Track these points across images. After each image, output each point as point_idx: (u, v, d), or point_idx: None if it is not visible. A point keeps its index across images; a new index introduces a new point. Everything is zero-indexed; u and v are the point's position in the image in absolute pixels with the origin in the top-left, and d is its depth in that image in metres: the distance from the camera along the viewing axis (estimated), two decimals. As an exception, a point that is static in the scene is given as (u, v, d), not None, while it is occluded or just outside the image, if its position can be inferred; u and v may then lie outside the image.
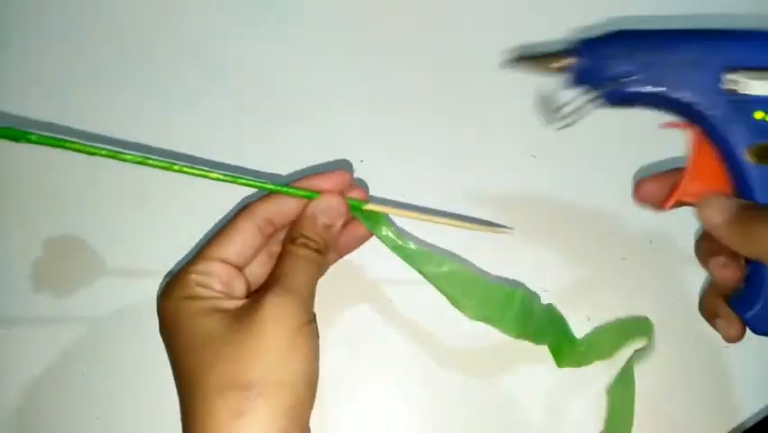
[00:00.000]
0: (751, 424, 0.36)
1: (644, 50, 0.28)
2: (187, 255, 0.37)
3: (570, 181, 0.40)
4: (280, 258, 0.31)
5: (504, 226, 0.37)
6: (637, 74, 0.28)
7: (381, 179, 0.39)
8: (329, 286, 0.33)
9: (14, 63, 0.40)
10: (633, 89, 0.28)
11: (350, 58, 0.41)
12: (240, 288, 0.31)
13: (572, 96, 0.30)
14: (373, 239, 0.34)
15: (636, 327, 0.37)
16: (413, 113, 0.40)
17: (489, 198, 0.39)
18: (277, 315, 0.28)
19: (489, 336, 0.35)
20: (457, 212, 0.39)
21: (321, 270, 0.32)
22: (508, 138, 0.40)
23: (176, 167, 0.29)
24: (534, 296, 0.37)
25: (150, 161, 0.29)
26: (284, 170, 0.39)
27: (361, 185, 0.38)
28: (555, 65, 0.29)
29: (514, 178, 0.39)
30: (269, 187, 0.31)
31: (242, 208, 0.32)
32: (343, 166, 0.39)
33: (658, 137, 0.40)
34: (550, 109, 0.32)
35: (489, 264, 0.38)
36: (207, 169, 0.30)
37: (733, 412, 0.36)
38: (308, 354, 0.29)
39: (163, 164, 0.29)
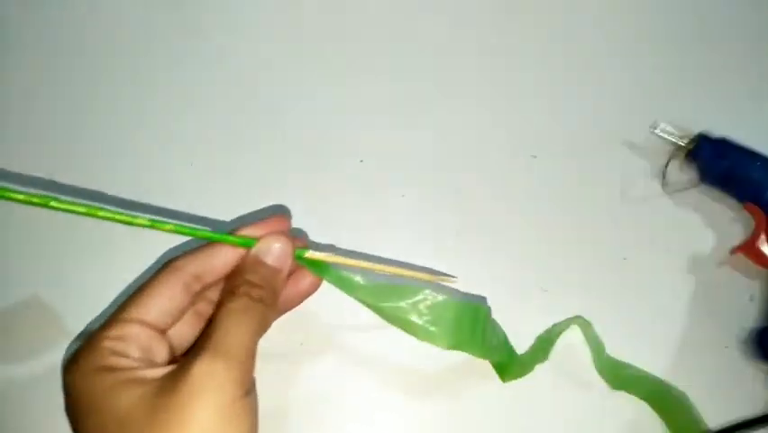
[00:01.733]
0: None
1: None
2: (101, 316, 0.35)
3: (570, 181, 0.40)
4: (213, 316, 0.27)
5: (448, 275, 0.34)
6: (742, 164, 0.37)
7: (381, 179, 0.39)
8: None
9: None
10: (734, 172, 0.38)
11: (350, 58, 0.41)
12: (162, 354, 0.27)
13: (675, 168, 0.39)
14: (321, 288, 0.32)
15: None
16: (413, 113, 0.40)
17: (490, 197, 0.39)
18: (204, 387, 0.24)
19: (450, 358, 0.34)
20: (457, 216, 0.39)
21: (263, 325, 0.27)
22: (508, 138, 0.40)
23: (100, 213, 0.26)
24: (487, 310, 0.35)
25: (54, 204, 0.25)
26: (284, 169, 0.39)
27: (298, 234, 0.36)
28: (682, 143, 0.39)
29: (514, 178, 0.40)
30: (202, 234, 0.28)
31: (165, 264, 0.28)
32: (280, 212, 0.38)
33: (655, 139, 0.41)
34: (661, 173, 0.39)
35: (488, 265, 0.38)
36: (131, 214, 0.27)
37: (733, 411, 0.36)
38: (245, 431, 0.24)
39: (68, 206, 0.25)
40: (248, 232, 0.29)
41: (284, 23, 0.42)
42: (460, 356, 0.36)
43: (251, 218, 0.36)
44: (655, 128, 0.39)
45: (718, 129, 0.39)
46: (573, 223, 0.39)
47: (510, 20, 0.43)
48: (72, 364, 0.26)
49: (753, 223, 0.38)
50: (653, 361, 0.36)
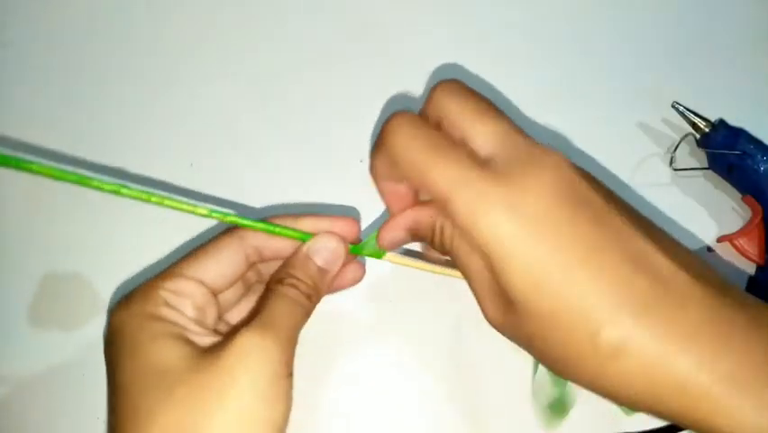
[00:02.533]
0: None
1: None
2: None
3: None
4: (263, 297, 0.26)
5: None
6: (753, 156, 0.37)
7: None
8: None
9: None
10: (743, 162, 0.38)
11: (350, 57, 0.41)
12: (212, 316, 0.27)
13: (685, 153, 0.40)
14: None
15: None
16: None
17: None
18: (251, 358, 0.23)
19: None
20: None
21: (306, 317, 0.27)
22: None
23: (154, 198, 0.24)
24: None
25: (125, 191, 0.24)
26: (284, 169, 0.39)
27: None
28: (700, 124, 0.38)
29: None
30: (259, 226, 0.27)
31: (228, 229, 0.28)
32: (353, 214, 0.37)
33: (656, 137, 0.41)
34: (669, 151, 0.40)
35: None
36: (192, 202, 0.26)
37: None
38: (280, 414, 0.24)
39: (139, 194, 0.24)
40: (308, 224, 0.28)
41: (284, 23, 0.42)
42: (465, 356, 0.36)
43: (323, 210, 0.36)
44: (677, 105, 0.39)
45: (730, 120, 0.39)
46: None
47: (510, 19, 0.43)
48: (123, 305, 0.25)
49: (750, 216, 0.38)
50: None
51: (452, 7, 0.43)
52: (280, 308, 0.25)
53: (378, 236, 0.29)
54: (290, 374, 0.24)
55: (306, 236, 0.28)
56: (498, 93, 0.41)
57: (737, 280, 0.38)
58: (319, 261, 0.28)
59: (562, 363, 0.24)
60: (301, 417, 0.25)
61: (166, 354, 0.24)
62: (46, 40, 0.41)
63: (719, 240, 0.38)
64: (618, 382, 0.23)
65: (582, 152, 0.40)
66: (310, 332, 0.27)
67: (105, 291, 0.37)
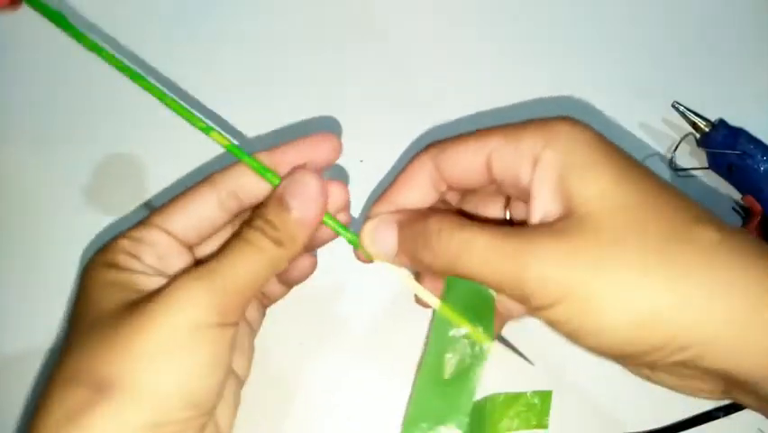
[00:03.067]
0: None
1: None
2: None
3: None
4: (227, 241, 0.25)
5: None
6: (753, 156, 0.37)
7: (381, 180, 0.39)
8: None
9: None
10: (744, 162, 0.37)
11: (350, 57, 0.41)
12: (178, 266, 0.25)
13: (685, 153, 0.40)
14: None
15: None
16: (413, 112, 0.40)
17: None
18: (177, 302, 0.22)
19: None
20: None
21: (274, 265, 0.25)
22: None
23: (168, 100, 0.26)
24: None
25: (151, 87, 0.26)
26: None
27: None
28: (701, 124, 0.39)
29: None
30: (231, 148, 0.26)
31: (207, 176, 0.27)
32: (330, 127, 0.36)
33: (656, 137, 0.41)
34: (669, 151, 0.40)
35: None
36: (195, 114, 0.26)
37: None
38: (202, 364, 0.22)
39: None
40: (278, 157, 0.26)
41: (284, 23, 0.42)
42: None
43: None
44: (677, 105, 0.39)
45: (730, 120, 0.39)
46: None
47: (508, 22, 0.43)
48: (92, 256, 0.25)
49: (750, 215, 0.38)
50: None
51: (451, 7, 0.42)
52: (233, 255, 0.24)
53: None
54: (225, 325, 0.23)
55: (275, 179, 0.26)
56: (498, 93, 0.41)
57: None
58: (294, 210, 0.25)
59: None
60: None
61: (109, 299, 0.23)
62: (46, 37, 0.40)
63: None
64: None
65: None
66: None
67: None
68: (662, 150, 0.41)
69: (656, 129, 0.41)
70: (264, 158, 0.26)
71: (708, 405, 0.36)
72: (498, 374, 0.36)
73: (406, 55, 0.41)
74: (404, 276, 0.27)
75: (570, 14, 0.43)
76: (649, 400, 0.37)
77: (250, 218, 0.25)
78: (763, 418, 0.36)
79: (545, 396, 0.34)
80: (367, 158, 0.39)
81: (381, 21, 0.42)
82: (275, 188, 0.26)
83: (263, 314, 0.31)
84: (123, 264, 0.24)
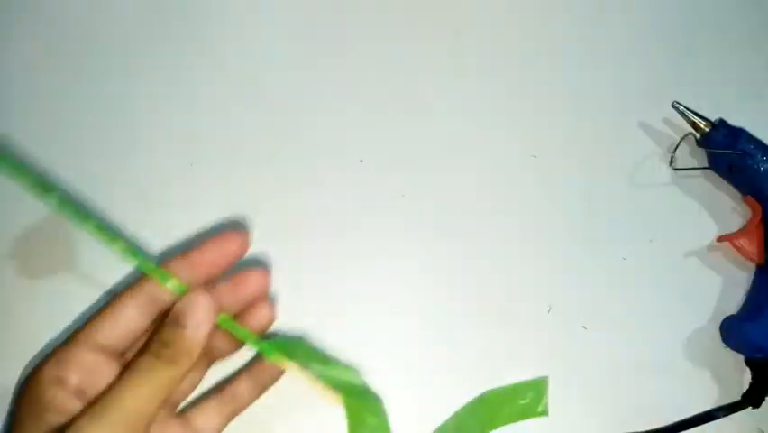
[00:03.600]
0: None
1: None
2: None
3: (570, 181, 0.40)
4: (123, 369, 0.27)
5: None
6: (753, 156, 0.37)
7: (381, 180, 0.39)
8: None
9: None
10: (744, 162, 0.38)
11: (350, 57, 0.41)
12: (109, 377, 0.27)
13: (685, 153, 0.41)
14: None
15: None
16: (413, 112, 0.40)
17: (490, 197, 0.39)
18: None
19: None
20: (457, 216, 0.39)
21: (169, 386, 0.26)
22: (508, 138, 0.40)
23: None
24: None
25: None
26: (284, 169, 0.39)
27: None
28: (701, 124, 0.39)
29: (514, 178, 0.40)
30: (142, 264, 0.27)
31: (127, 286, 0.28)
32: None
33: (656, 137, 0.41)
34: (669, 151, 0.40)
35: (488, 266, 0.38)
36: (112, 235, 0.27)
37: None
38: None
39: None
40: (195, 258, 0.29)
41: (284, 23, 0.42)
42: (465, 358, 0.37)
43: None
44: (677, 105, 0.39)
45: (730, 120, 0.39)
46: (573, 223, 0.39)
47: (518, 7, 0.43)
48: (22, 379, 0.27)
49: (749, 216, 0.38)
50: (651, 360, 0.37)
51: (451, 6, 0.42)
52: (125, 387, 0.25)
53: None
54: None
55: (182, 288, 0.28)
56: (498, 93, 0.41)
57: (737, 280, 0.38)
58: (189, 326, 0.26)
59: None
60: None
61: (35, 426, 0.25)
62: (46, 39, 0.40)
63: (719, 240, 0.38)
64: None
65: (583, 152, 0.40)
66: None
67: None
68: (662, 150, 0.41)
69: (656, 129, 0.41)
70: (180, 262, 0.29)
71: (708, 405, 0.36)
72: (499, 375, 0.37)
73: (407, 55, 0.41)
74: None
75: (570, 14, 0.43)
76: (649, 400, 0.37)
77: (146, 343, 0.27)
78: (763, 417, 0.36)
79: (542, 384, 0.34)
80: (367, 158, 0.39)
81: (381, 21, 0.42)
82: (175, 301, 0.27)
83: (206, 369, 0.32)
84: (47, 391, 0.26)
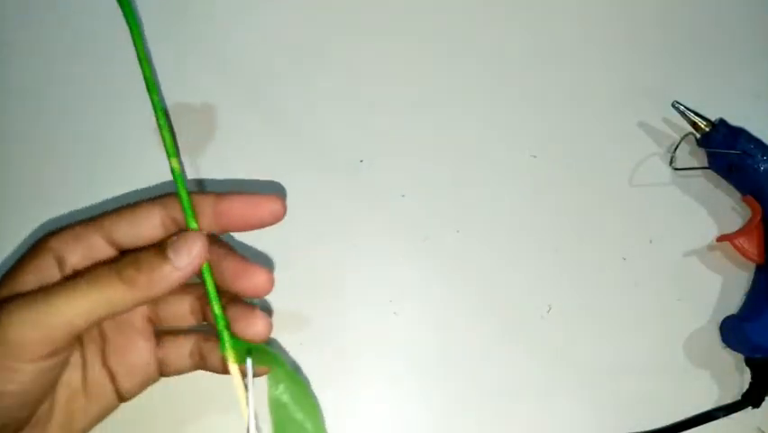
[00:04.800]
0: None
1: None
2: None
3: (570, 181, 0.40)
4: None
5: None
6: (753, 156, 0.37)
7: (381, 180, 0.39)
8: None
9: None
10: (744, 162, 0.38)
11: (350, 57, 0.41)
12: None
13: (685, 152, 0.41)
14: None
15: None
16: (413, 112, 0.40)
17: (490, 197, 0.39)
18: (4, 323, 0.24)
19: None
20: (457, 216, 0.39)
21: (112, 305, 0.25)
22: (508, 138, 0.40)
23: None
24: None
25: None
26: (284, 168, 0.39)
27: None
28: (701, 124, 0.39)
29: (514, 178, 0.40)
30: (178, 177, 0.27)
31: (156, 197, 0.28)
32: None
33: (656, 137, 0.41)
34: (669, 151, 0.40)
35: (488, 266, 0.38)
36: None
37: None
38: (12, 393, 0.24)
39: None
40: (225, 204, 0.28)
41: (284, 23, 0.42)
42: (465, 358, 0.37)
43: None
44: (677, 105, 0.39)
45: (730, 120, 0.39)
46: (573, 223, 0.39)
47: (518, 7, 0.43)
48: (41, 236, 0.27)
49: (749, 216, 0.38)
50: (651, 361, 0.37)
51: (451, 6, 0.42)
52: (71, 290, 0.24)
53: None
54: (41, 356, 0.24)
55: (192, 222, 0.27)
56: (498, 93, 0.41)
57: (737, 280, 0.38)
58: (174, 260, 0.25)
59: None
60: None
61: (21, 278, 0.26)
62: (46, 39, 0.40)
63: (719, 240, 0.38)
64: None
65: (583, 152, 0.40)
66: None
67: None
68: (662, 150, 0.41)
69: (656, 129, 0.41)
70: (208, 200, 0.28)
71: (708, 405, 0.36)
72: (498, 375, 0.37)
73: (407, 55, 0.41)
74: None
75: (569, 14, 0.43)
76: (649, 400, 0.37)
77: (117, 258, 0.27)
78: (763, 417, 0.36)
79: None
80: (367, 158, 0.39)
81: (381, 21, 0.42)
82: (166, 235, 0.27)
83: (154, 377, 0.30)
84: (43, 258, 0.26)
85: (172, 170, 0.27)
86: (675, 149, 0.40)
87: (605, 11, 0.43)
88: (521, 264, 0.38)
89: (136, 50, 0.27)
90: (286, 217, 0.37)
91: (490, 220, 0.39)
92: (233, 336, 0.27)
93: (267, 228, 0.37)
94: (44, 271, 0.26)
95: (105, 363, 0.29)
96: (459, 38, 0.42)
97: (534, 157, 0.40)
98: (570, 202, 0.39)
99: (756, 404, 0.35)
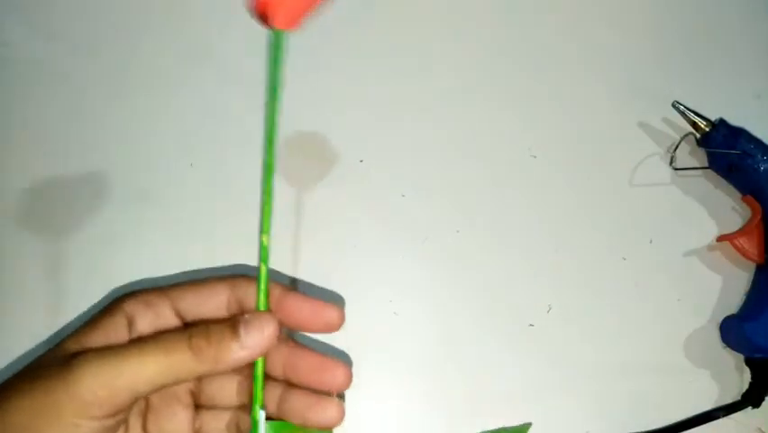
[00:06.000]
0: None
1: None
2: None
3: (570, 181, 0.40)
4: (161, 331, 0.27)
5: None
6: (753, 156, 0.38)
7: (381, 179, 0.39)
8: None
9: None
10: (744, 162, 0.38)
11: (350, 58, 0.41)
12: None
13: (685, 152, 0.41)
14: None
15: None
16: (413, 113, 0.40)
17: (490, 197, 0.39)
18: (69, 379, 0.24)
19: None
20: (457, 216, 0.39)
21: (176, 374, 0.25)
22: (508, 138, 0.40)
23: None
24: None
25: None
26: (283, 168, 0.39)
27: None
28: (701, 124, 0.39)
29: (514, 178, 0.40)
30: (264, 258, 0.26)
31: (226, 276, 0.29)
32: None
33: (656, 137, 0.41)
34: (669, 151, 0.40)
35: (488, 266, 0.38)
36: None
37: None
38: None
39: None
40: (290, 300, 0.28)
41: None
42: (462, 355, 0.36)
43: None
44: (677, 105, 0.39)
45: (730, 120, 0.39)
46: (573, 223, 0.39)
47: (505, 20, 0.43)
48: (120, 295, 0.28)
49: (749, 215, 0.38)
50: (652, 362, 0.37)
51: (451, 6, 0.42)
52: (141, 352, 0.25)
53: None
54: (99, 417, 0.24)
55: (264, 303, 0.26)
56: (498, 93, 0.41)
57: (737, 280, 0.38)
58: (246, 338, 0.25)
59: None
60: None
61: (93, 336, 0.26)
62: (46, 39, 0.40)
63: (719, 239, 0.38)
64: None
65: (583, 152, 0.40)
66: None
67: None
68: (662, 150, 0.41)
69: (656, 129, 0.41)
70: (277, 291, 0.28)
71: (708, 405, 0.36)
72: (498, 375, 0.37)
73: (407, 55, 0.41)
74: None
75: (569, 14, 0.43)
76: (649, 400, 0.37)
77: (191, 325, 0.27)
78: (763, 417, 0.36)
79: (525, 430, 0.34)
80: (367, 158, 0.39)
81: (381, 21, 0.42)
82: (240, 312, 0.28)
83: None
84: (114, 318, 0.27)
85: (261, 247, 0.26)
86: (675, 149, 0.40)
87: (605, 11, 0.43)
88: (521, 264, 0.38)
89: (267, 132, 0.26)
90: (286, 217, 0.38)
91: (490, 220, 0.39)
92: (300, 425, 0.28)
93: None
94: (114, 331, 0.27)
95: (144, 427, 0.28)
96: (459, 38, 0.42)
97: (534, 157, 0.40)
98: (570, 202, 0.39)
99: (756, 404, 0.35)
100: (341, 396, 0.29)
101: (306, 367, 0.28)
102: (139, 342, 0.25)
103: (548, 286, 0.38)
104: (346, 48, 0.41)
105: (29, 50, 0.40)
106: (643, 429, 0.36)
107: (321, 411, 0.28)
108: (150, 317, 0.28)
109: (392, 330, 0.37)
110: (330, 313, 0.28)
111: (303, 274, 0.37)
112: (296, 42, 0.41)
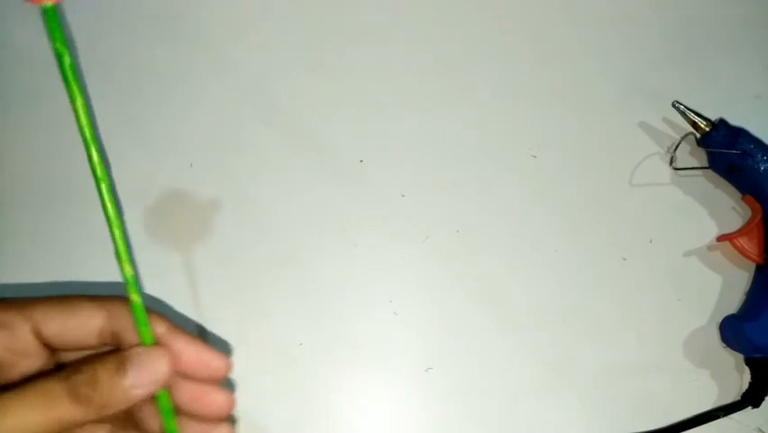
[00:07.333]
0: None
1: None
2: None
3: (570, 181, 0.40)
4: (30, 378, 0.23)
5: None
6: (753, 156, 0.38)
7: (381, 180, 0.39)
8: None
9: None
10: (744, 162, 0.38)
11: (350, 58, 0.41)
12: (30, 367, 0.24)
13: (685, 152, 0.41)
14: None
15: None
16: (413, 112, 0.40)
17: (490, 197, 0.39)
18: None
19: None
20: (457, 216, 0.39)
21: (60, 426, 0.22)
22: (508, 138, 0.40)
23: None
24: None
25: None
26: (284, 168, 0.39)
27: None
28: (701, 124, 0.39)
29: (514, 178, 0.40)
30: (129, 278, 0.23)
31: (96, 297, 0.25)
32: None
33: (656, 137, 0.41)
34: (669, 151, 0.40)
35: (488, 266, 0.38)
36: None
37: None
38: None
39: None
40: (175, 338, 0.24)
41: (284, 23, 0.42)
42: (462, 355, 0.36)
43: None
44: (677, 105, 0.39)
45: (730, 120, 0.39)
46: (573, 223, 0.39)
47: (518, 7, 0.43)
48: None
49: (749, 215, 0.38)
50: (652, 363, 0.37)
51: (450, 6, 0.42)
52: (17, 403, 0.21)
53: None
54: None
55: (148, 338, 0.24)
56: (498, 93, 0.41)
57: (737, 280, 0.38)
58: (131, 376, 0.23)
59: None
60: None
61: None
62: (46, 40, 0.40)
63: (719, 239, 0.38)
64: None
65: (582, 152, 0.40)
66: None
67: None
68: (662, 150, 0.41)
69: (656, 129, 0.41)
70: (163, 328, 0.25)
71: (708, 405, 0.36)
72: (498, 375, 0.37)
73: (407, 55, 0.41)
74: None
75: (569, 14, 0.43)
76: (649, 400, 0.37)
77: (76, 364, 0.23)
78: (763, 417, 0.36)
79: None
80: (367, 158, 0.39)
81: (382, 21, 0.42)
82: (126, 348, 0.24)
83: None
84: None
85: (126, 280, 0.23)
86: (675, 149, 0.40)
87: (605, 11, 0.43)
88: (521, 264, 0.38)
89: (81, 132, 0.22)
90: (286, 217, 0.38)
91: (490, 220, 0.39)
92: None
93: (267, 227, 0.38)
94: None
95: None
96: (459, 38, 0.42)
97: (534, 157, 0.40)
98: (570, 202, 0.39)
99: (756, 404, 0.35)
100: (232, 420, 0.27)
101: (187, 394, 0.25)
102: (18, 390, 0.22)
103: (548, 286, 0.38)
104: (346, 48, 0.41)
105: (29, 51, 0.40)
106: (643, 429, 0.36)
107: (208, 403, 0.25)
108: (2, 342, 0.23)
109: (392, 330, 0.37)
110: (217, 363, 0.25)
111: (303, 274, 0.37)
112: (296, 42, 0.41)
